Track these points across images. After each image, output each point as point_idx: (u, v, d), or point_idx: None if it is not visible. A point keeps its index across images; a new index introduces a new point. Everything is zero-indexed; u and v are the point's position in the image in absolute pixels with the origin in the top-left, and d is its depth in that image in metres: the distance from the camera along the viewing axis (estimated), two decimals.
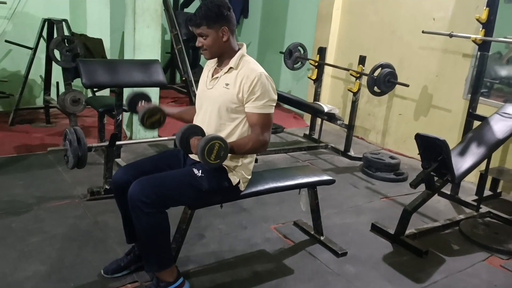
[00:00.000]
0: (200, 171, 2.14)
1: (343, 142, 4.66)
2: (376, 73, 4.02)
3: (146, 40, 4.17)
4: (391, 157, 4.24)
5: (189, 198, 2.15)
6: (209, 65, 2.31)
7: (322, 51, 4.85)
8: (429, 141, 2.86)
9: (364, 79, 4.27)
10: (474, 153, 3.09)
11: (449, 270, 2.69)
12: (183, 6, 6.34)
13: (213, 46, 2.10)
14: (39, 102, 5.22)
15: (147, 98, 2.48)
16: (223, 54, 2.16)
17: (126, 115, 4.40)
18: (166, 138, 3.66)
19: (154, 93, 4.32)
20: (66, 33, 4.44)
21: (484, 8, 3.33)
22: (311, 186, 2.66)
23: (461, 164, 3.00)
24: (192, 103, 5.56)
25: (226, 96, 2.11)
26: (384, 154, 4.35)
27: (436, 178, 2.99)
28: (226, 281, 2.38)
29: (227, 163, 2.17)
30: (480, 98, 3.59)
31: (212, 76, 2.22)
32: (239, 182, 2.23)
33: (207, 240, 2.76)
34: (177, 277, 2.15)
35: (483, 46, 3.37)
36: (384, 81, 3.99)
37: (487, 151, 3.10)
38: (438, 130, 4.26)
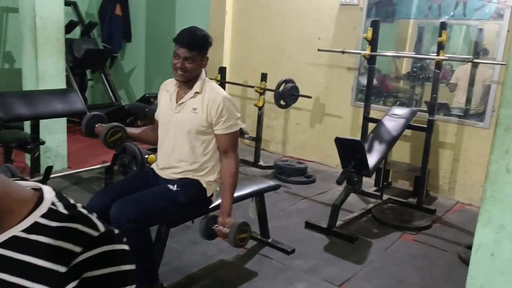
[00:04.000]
0: (175, 186, 2.26)
1: (250, 154, 5.00)
2: (281, 88, 4.45)
3: (50, 70, 4.01)
4: (299, 163, 4.69)
5: (168, 213, 2.25)
6: (169, 90, 2.41)
7: (222, 71, 5.15)
8: (347, 143, 3.33)
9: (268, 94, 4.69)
10: (378, 150, 3.66)
11: (377, 250, 3.17)
12: (65, 32, 6.09)
13: (194, 70, 2.25)
14: None
15: (102, 119, 2.50)
16: (192, 79, 2.31)
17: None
18: (98, 166, 3.57)
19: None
20: None
21: (369, 28, 3.97)
22: (262, 193, 2.92)
23: (371, 160, 3.53)
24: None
25: (196, 121, 2.26)
26: (291, 160, 4.79)
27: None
28: None
29: (203, 178, 2.33)
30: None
31: (177, 101, 2.35)
32: (212, 195, 2.39)
33: (167, 259, 2.82)
34: None
35: (371, 60, 4.01)
36: (289, 94, 4.45)
37: (387, 147, 3.70)
38: (333, 134, 4.75)
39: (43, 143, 3.56)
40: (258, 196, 2.95)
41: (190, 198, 2.26)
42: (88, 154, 4.87)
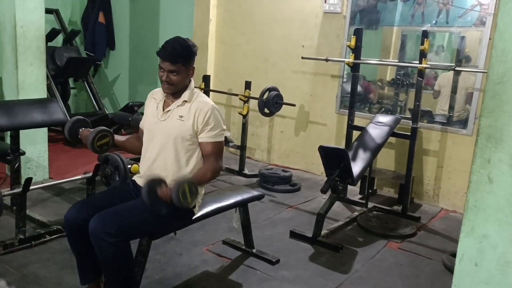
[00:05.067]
0: None
1: (235, 163, 4.97)
2: (265, 96, 4.43)
3: (30, 79, 3.94)
4: (283, 171, 4.67)
5: (150, 225, 2.21)
6: (156, 98, 2.39)
7: (206, 79, 5.12)
8: (331, 151, 3.32)
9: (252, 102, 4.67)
10: (363, 158, 3.66)
11: (363, 259, 3.16)
12: (47, 40, 6.02)
13: (180, 82, 2.23)
14: None
15: (86, 124, 2.45)
16: (180, 89, 2.28)
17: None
18: (79, 176, 3.50)
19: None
20: None
21: (352, 36, 3.98)
22: (246, 203, 2.89)
23: (355, 168, 3.52)
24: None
25: (182, 128, 2.24)
26: (276, 169, 4.77)
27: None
28: None
29: None
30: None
31: (163, 109, 2.32)
32: (194, 206, 2.36)
33: (150, 272, 2.78)
34: None
35: (354, 67, 4.02)
36: (273, 102, 4.44)
37: (372, 155, 3.70)
38: (317, 142, 4.79)
39: (23, 153, 3.48)
40: (242, 206, 2.92)
41: (172, 210, 2.22)
42: (70, 164, 4.79)
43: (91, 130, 2.38)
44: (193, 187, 2.04)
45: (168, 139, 2.27)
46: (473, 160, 1.81)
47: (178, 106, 2.29)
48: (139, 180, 2.39)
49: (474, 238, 1.86)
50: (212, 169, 2.26)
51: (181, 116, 2.26)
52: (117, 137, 2.47)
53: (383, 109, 4.63)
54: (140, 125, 2.50)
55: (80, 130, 2.41)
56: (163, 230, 2.34)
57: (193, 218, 2.43)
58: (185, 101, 2.28)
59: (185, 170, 2.29)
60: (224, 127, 2.33)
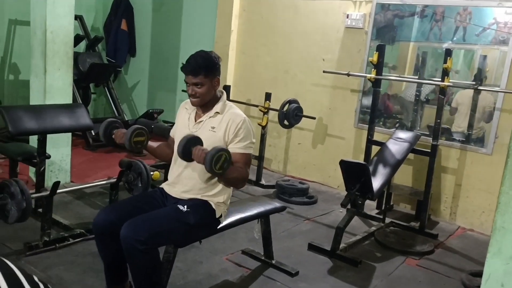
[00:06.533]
0: (185, 206, 2.27)
1: (252, 173, 4.99)
2: (285, 108, 4.48)
3: (57, 83, 4.03)
4: (301, 183, 4.70)
5: (178, 234, 2.25)
6: (188, 108, 2.44)
7: (226, 89, 5.18)
8: (352, 166, 3.35)
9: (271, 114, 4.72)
10: (382, 173, 3.68)
11: (382, 274, 3.17)
12: None
13: (206, 94, 2.27)
14: None
15: (119, 126, 2.50)
16: (209, 101, 2.33)
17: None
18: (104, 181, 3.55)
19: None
20: None
21: (375, 52, 4.02)
22: (268, 214, 2.92)
23: (375, 183, 3.54)
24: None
25: (213, 139, 2.28)
26: (293, 180, 4.80)
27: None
28: None
29: (212, 198, 2.33)
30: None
31: (195, 120, 2.37)
32: (221, 216, 2.40)
33: (172, 279, 2.78)
34: None
35: (376, 83, 4.05)
36: (293, 115, 4.48)
37: (392, 170, 3.72)
38: (335, 155, 4.86)
39: (49, 157, 3.54)
40: (263, 217, 2.95)
41: (200, 219, 2.26)
42: (90, 168, 4.86)
43: (125, 130, 2.42)
44: (227, 162, 2.10)
45: None
46: (502, 181, 1.83)
47: (210, 117, 2.33)
48: (167, 187, 2.43)
49: (501, 259, 1.87)
50: (242, 172, 2.29)
51: (213, 127, 2.31)
52: (150, 143, 2.52)
53: (397, 124, 4.64)
54: (171, 134, 2.56)
55: (114, 131, 2.46)
56: (190, 239, 2.38)
57: (218, 227, 2.47)
58: (217, 112, 2.33)
59: (213, 180, 2.34)
60: (254, 140, 2.37)
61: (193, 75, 2.24)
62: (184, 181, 2.35)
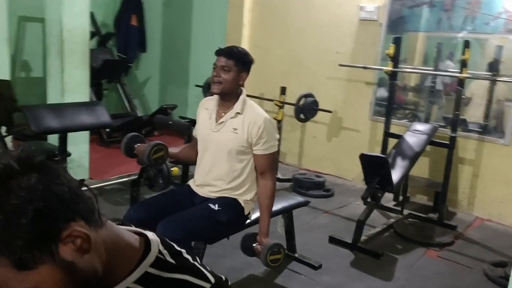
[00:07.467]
0: (216, 205, 2.29)
1: None
2: (301, 102, 4.49)
3: (75, 81, 4.05)
4: (317, 176, 4.72)
5: (210, 232, 2.29)
6: (208, 108, 2.45)
7: None
8: (372, 159, 3.37)
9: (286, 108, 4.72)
10: (401, 166, 3.69)
11: (403, 266, 3.19)
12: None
13: (229, 82, 2.28)
14: None
15: (141, 140, 2.53)
16: (230, 95, 2.33)
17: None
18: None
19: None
20: None
21: (391, 44, 4.01)
22: (292, 209, 2.94)
23: (394, 176, 3.55)
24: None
25: (236, 141, 2.30)
26: (309, 174, 4.82)
27: None
28: None
29: (240, 196, 2.36)
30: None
31: (216, 120, 2.38)
32: (249, 213, 2.42)
33: None
34: None
35: (393, 76, 4.05)
36: (309, 109, 4.49)
37: (410, 163, 3.73)
38: (350, 148, 4.88)
39: (69, 155, 3.59)
40: (287, 212, 2.98)
41: (230, 217, 2.29)
42: (107, 164, 4.89)
43: (146, 144, 2.45)
44: (280, 248, 2.42)
45: (222, 151, 2.33)
46: None
47: (231, 118, 2.34)
48: (195, 188, 2.45)
49: None
50: (271, 186, 2.41)
51: (235, 129, 2.31)
52: (171, 149, 2.53)
53: (409, 115, 4.63)
54: (194, 134, 2.57)
55: (136, 145, 2.49)
56: (220, 236, 2.41)
57: (246, 223, 2.50)
58: (238, 113, 2.33)
59: (240, 179, 2.36)
60: (277, 136, 2.40)
61: (226, 57, 2.26)
62: (210, 181, 2.38)
